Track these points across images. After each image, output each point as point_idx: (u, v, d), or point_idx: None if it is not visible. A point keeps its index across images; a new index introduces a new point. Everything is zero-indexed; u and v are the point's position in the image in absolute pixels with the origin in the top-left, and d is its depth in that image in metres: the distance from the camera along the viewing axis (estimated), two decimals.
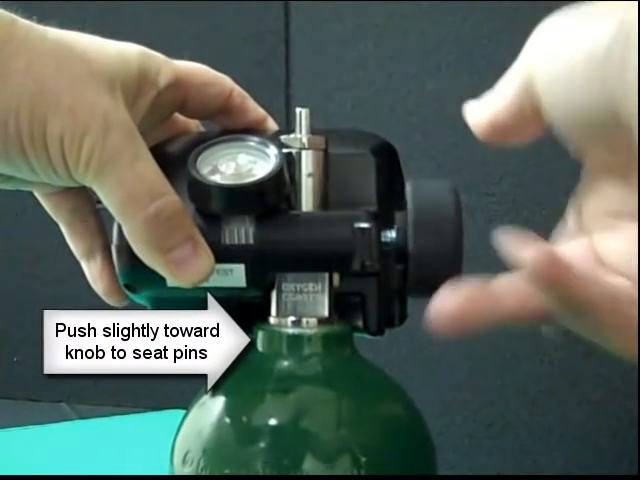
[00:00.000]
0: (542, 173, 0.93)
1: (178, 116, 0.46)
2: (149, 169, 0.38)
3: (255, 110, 0.46)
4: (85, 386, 1.20)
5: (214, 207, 0.39)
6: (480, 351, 0.96)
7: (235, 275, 0.40)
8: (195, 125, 0.47)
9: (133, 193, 0.37)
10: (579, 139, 0.36)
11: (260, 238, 0.40)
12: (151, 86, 0.41)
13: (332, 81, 1.01)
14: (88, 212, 0.45)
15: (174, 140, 0.45)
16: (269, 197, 0.40)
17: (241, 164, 0.40)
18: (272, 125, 0.46)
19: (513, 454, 0.96)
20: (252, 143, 0.41)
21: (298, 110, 0.42)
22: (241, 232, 0.40)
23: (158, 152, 0.40)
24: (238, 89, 0.45)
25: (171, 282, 0.39)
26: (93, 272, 0.45)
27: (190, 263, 0.38)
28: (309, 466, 0.38)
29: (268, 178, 0.39)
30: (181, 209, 0.38)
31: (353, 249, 0.40)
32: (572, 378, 0.93)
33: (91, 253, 0.45)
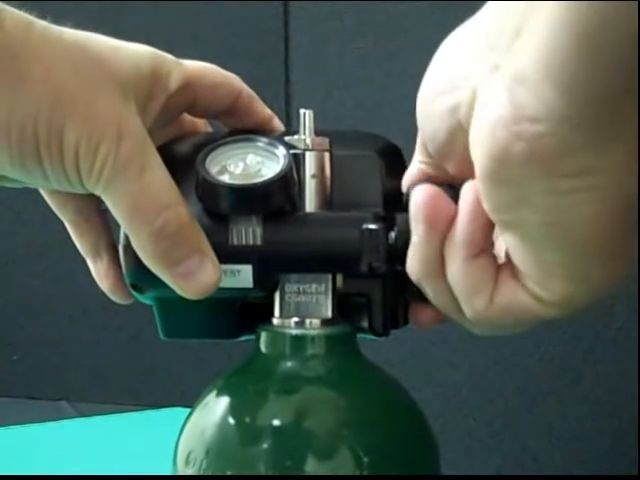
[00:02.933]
0: None
1: (186, 116, 0.46)
2: (157, 180, 0.38)
3: (262, 111, 0.46)
4: (85, 384, 1.20)
5: (222, 207, 0.39)
6: (480, 350, 0.96)
7: (242, 276, 0.40)
8: (203, 124, 0.47)
9: (140, 206, 0.37)
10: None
11: (268, 239, 0.40)
12: (162, 90, 0.42)
13: (332, 80, 1.01)
14: (93, 211, 0.45)
15: (182, 140, 0.45)
16: (277, 198, 0.40)
17: (250, 164, 0.40)
18: (278, 125, 0.46)
19: (513, 453, 0.96)
20: (261, 144, 0.41)
21: (302, 111, 0.42)
22: (249, 233, 0.40)
23: (165, 152, 0.41)
24: (246, 89, 0.45)
25: (178, 292, 0.39)
26: (99, 270, 0.45)
27: (196, 276, 0.38)
28: (312, 467, 0.38)
29: (277, 178, 0.39)
30: (188, 221, 0.38)
31: (362, 250, 0.40)
32: (572, 377, 0.93)
33: (96, 251, 0.45)
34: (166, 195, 0.38)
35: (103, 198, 0.38)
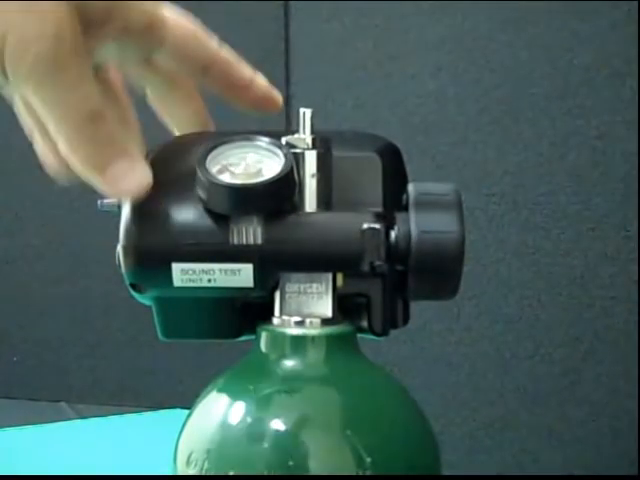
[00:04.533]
0: (542, 173, 0.93)
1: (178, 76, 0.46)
2: (87, 88, 0.38)
3: (240, 74, 0.45)
4: (85, 385, 1.20)
5: (223, 207, 0.39)
6: (480, 351, 0.96)
7: (243, 275, 0.40)
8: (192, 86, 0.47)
9: (70, 112, 0.37)
10: None
11: (268, 238, 0.40)
12: (119, 18, 0.41)
13: (332, 81, 1.01)
14: None
15: (181, 139, 0.45)
16: (278, 197, 0.40)
17: (250, 164, 0.40)
18: (261, 84, 0.45)
19: (513, 453, 0.96)
20: (261, 143, 0.41)
21: (302, 110, 0.42)
22: (249, 232, 0.40)
23: (165, 151, 0.40)
24: (224, 52, 0.44)
25: (108, 194, 0.40)
26: (47, 147, 0.44)
27: (126, 178, 0.39)
28: (314, 467, 0.38)
29: (278, 178, 0.39)
30: (115, 127, 0.39)
31: (363, 250, 0.40)
32: (572, 378, 0.93)
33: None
34: (96, 104, 0.38)
35: (31, 100, 0.38)
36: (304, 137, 0.41)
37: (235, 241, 0.40)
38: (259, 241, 0.40)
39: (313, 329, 0.41)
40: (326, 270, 0.41)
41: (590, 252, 0.92)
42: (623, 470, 0.90)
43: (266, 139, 0.41)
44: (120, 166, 0.39)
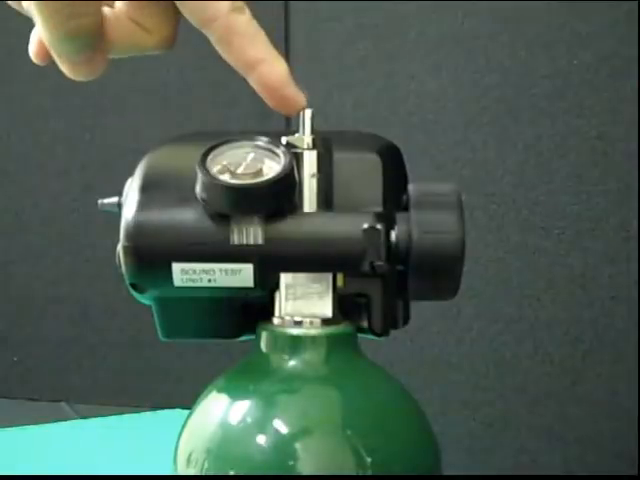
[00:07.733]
0: (542, 173, 0.93)
1: None
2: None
3: (242, 51, 0.43)
4: (85, 385, 1.20)
5: (223, 207, 0.40)
6: (480, 351, 0.96)
7: (243, 275, 0.40)
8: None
9: (58, 10, 0.40)
10: None
11: (269, 238, 0.40)
12: None
13: (332, 81, 1.02)
14: None
15: (181, 139, 0.45)
16: (279, 197, 0.40)
17: (251, 164, 0.40)
18: (269, 69, 0.44)
19: (513, 453, 0.96)
20: (261, 143, 0.41)
21: (302, 110, 0.42)
22: (250, 232, 0.40)
23: (166, 150, 0.40)
24: (230, 19, 0.42)
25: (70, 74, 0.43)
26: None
27: (89, 67, 0.42)
28: (314, 467, 0.38)
29: (279, 178, 0.39)
30: (99, 29, 0.42)
31: (363, 250, 0.40)
32: (572, 378, 0.93)
33: None
34: (84, 5, 0.41)
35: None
36: (304, 137, 0.41)
37: (235, 241, 0.40)
38: (259, 241, 0.40)
39: (313, 329, 0.41)
40: (326, 270, 0.41)
41: (590, 252, 0.92)
42: (623, 470, 0.90)
43: (266, 139, 0.41)
44: (85, 56, 0.42)
